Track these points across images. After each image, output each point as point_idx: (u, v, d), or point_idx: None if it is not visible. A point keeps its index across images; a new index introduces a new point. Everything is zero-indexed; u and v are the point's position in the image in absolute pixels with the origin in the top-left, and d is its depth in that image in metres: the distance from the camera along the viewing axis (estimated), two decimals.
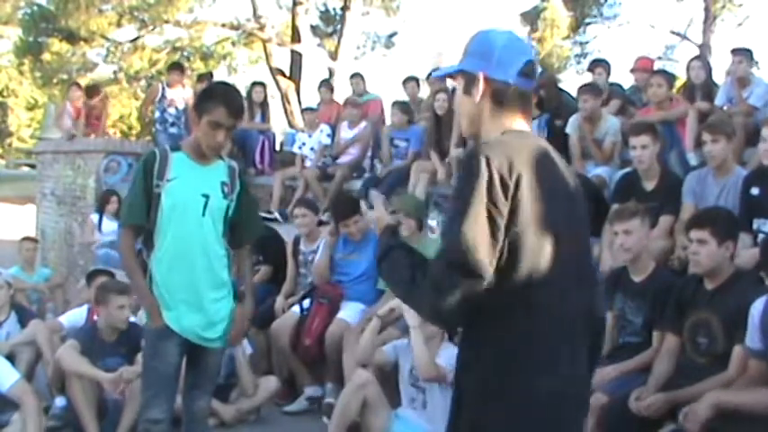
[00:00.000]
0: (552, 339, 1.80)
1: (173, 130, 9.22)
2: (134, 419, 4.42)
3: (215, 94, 3.23)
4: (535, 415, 1.79)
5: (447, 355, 4.03)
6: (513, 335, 1.78)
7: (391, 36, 21.73)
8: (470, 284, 1.71)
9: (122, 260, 3.41)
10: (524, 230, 1.74)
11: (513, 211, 1.73)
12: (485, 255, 1.70)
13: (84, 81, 14.46)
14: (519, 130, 1.89)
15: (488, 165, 1.73)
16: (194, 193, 3.25)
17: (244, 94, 12.10)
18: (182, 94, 9.28)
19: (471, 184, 1.73)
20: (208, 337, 3.34)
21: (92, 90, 10.36)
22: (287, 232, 6.46)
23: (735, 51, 6.33)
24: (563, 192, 1.87)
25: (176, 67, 9.87)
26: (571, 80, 23.03)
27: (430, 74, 8.40)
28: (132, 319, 5.14)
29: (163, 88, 9.27)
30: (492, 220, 1.72)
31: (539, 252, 1.76)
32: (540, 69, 20.85)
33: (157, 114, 9.30)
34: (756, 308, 3.18)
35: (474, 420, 1.83)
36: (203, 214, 3.26)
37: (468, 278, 1.70)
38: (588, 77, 7.80)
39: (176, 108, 9.22)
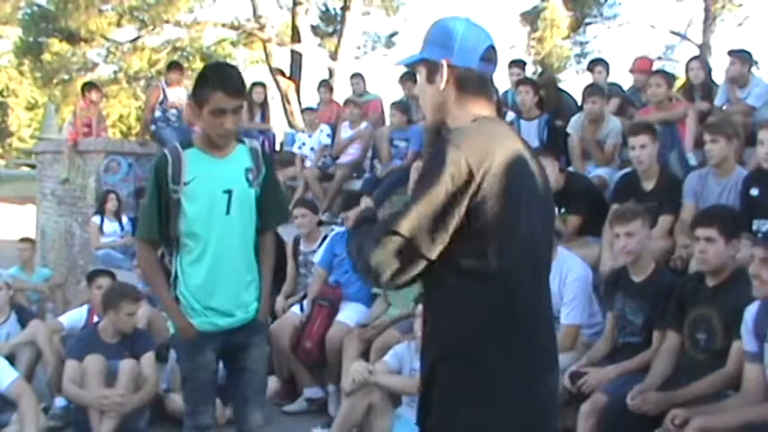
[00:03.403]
0: (507, 332, 1.83)
1: (176, 125, 9.20)
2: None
3: (209, 79, 2.92)
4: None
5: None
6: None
7: (391, 36, 21.75)
8: (405, 263, 1.78)
9: (144, 275, 3.20)
10: (487, 221, 1.78)
11: (477, 202, 1.77)
12: (424, 243, 1.77)
13: (82, 81, 14.45)
14: (490, 117, 1.92)
15: (457, 153, 1.76)
16: (215, 193, 2.99)
17: None
18: (180, 94, 9.26)
19: (435, 172, 1.76)
20: (240, 316, 3.10)
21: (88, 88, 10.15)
22: (287, 232, 6.45)
23: (731, 53, 6.33)
24: (531, 187, 1.89)
25: (176, 66, 9.77)
26: (571, 80, 23.10)
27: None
28: (139, 325, 5.15)
29: (163, 89, 9.23)
30: (448, 209, 1.75)
31: (499, 243, 1.79)
32: (540, 69, 20.84)
33: (158, 114, 9.25)
34: (750, 311, 3.19)
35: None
36: (227, 212, 3.00)
37: (403, 258, 1.78)
38: (588, 77, 7.80)
39: (177, 108, 9.21)
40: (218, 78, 2.90)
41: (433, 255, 1.78)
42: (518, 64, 8.13)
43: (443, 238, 1.77)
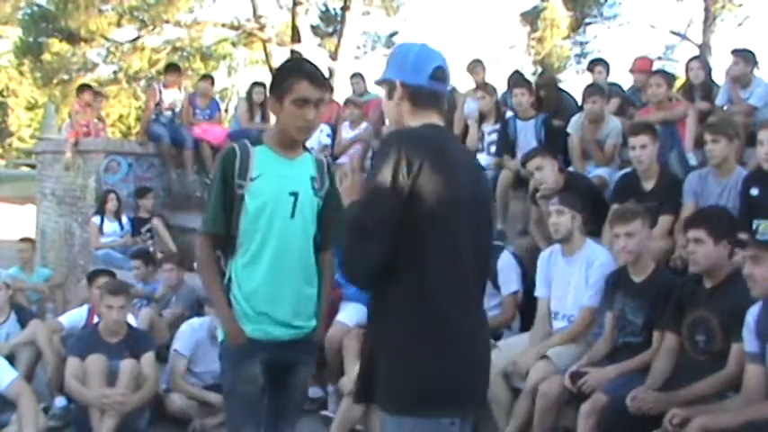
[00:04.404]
0: (443, 295, 2.12)
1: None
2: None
3: (292, 69, 2.86)
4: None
5: None
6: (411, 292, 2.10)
7: (391, 36, 21.76)
8: (371, 248, 2.06)
9: (200, 270, 3.02)
10: (424, 206, 2.05)
11: (416, 187, 2.04)
12: (382, 227, 2.05)
13: (82, 81, 14.45)
14: (432, 124, 2.22)
15: (398, 148, 2.05)
16: (282, 193, 2.85)
17: (243, 94, 12.16)
18: (177, 96, 9.23)
19: (380, 165, 2.06)
20: (297, 324, 2.92)
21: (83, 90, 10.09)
22: None
23: (734, 52, 6.33)
24: (461, 175, 2.15)
25: (173, 68, 9.75)
26: (571, 80, 23.10)
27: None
28: (133, 323, 5.15)
29: (160, 91, 9.20)
30: (393, 198, 2.03)
31: (434, 222, 2.07)
32: (540, 70, 20.86)
33: (152, 116, 9.24)
34: (752, 313, 3.20)
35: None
36: (292, 216, 2.86)
37: (371, 243, 2.06)
38: (588, 77, 7.80)
39: (172, 111, 9.19)
40: (303, 68, 2.86)
41: (387, 242, 2.05)
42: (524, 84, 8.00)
43: (393, 225, 2.04)
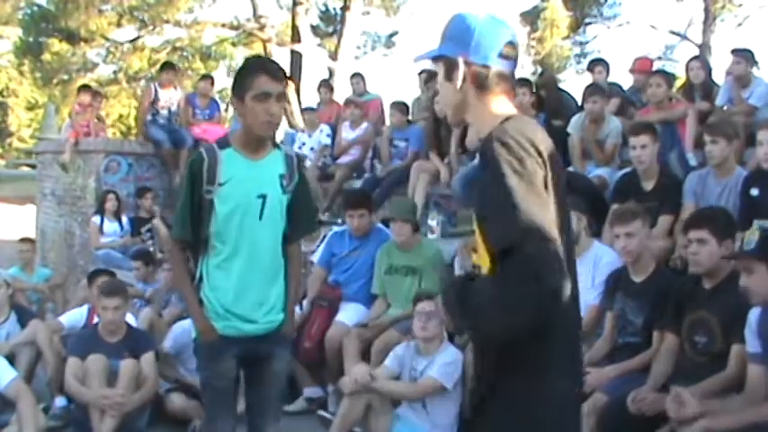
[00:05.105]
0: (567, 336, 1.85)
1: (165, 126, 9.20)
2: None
3: (250, 66, 2.90)
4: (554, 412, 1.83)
5: (442, 362, 4.09)
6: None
7: (391, 36, 21.79)
8: (550, 255, 1.66)
9: (173, 273, 3.13)
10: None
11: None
12: (553, 233, 1.67)
13: (82, 81, 14.45)
14: (522, 116, 1.88)
15: (533, 144, 1.74)
16: (250, 196, 2.90)
17: None
18: (174, 96, 9.20)
19: (520, 165, 1.70)
20: (265, 321, 3.00)
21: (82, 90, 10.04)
22: None
23: (734, 52, 6.34)
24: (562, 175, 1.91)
25: (169, 66, 9.71)
26: (571, 80, 23.11)
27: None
28: (133, 323, 5.14)
29: (155, 90, 9.18)
30: (542, 193, 1.71)
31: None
32: (540, 70, 20.83)
33: (149, 116, 9.23)
34: (754, 313, 3.20)
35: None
36: (260, 217, 2.92)
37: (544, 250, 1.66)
38: (588, 77, 7.80)
39: (169, 110, 9.18)
40: (260, 64, 2.93)
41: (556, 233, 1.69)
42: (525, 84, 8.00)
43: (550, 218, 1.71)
